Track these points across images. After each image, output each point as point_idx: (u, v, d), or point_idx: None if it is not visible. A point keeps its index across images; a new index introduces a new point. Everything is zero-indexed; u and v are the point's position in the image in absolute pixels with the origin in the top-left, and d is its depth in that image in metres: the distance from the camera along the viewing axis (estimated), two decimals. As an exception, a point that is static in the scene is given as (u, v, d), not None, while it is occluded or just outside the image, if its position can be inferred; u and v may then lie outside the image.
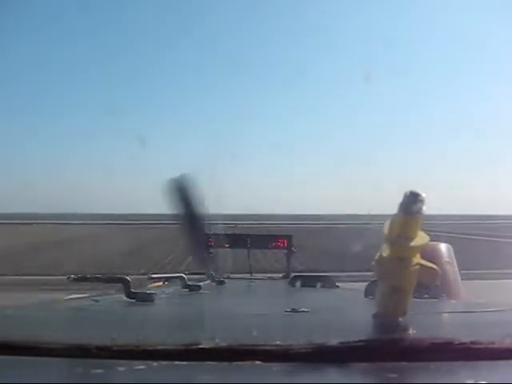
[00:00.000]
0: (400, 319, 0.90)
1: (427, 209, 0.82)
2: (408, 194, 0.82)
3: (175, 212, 1.42)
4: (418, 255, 0.88)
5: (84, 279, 1.60)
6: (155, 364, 0.68)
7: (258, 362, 0.68)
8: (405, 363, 0.69)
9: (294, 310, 1.21)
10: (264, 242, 4.24)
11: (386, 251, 0.87)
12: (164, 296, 1.75)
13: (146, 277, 2.22)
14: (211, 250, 4.07)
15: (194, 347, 0.71)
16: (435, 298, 1.69)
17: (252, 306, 1.93)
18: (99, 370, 0.67)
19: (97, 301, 1.53)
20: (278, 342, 0.72)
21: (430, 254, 0.92)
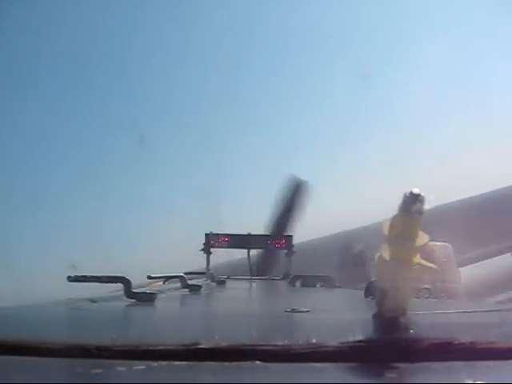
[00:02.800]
0: (400, 319, 0.91)
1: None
2: (408, 193, 0.82)
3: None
4: (418, 255, 0.88)
5: (83, 279, 1.60)
6: (155, 364, 0.68)
7: (257, 362, 0.68)
8: (405, 363, 0.69)
9: (293, 310, 1.21)
10: (264, 242, 4.27)
11: (385, 252, 0.87)
12: (164, 296, 1.76)
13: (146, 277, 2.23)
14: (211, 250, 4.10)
15: (194, 347, 0.71)
16: (435, 297, 1.70)
17: (252, 306, 1.94)
18: (99, 370, 0.67)
19: (96, 301, 1.54)
20: (278, 342, 0.72)
21: (428, 254, 0.92)
